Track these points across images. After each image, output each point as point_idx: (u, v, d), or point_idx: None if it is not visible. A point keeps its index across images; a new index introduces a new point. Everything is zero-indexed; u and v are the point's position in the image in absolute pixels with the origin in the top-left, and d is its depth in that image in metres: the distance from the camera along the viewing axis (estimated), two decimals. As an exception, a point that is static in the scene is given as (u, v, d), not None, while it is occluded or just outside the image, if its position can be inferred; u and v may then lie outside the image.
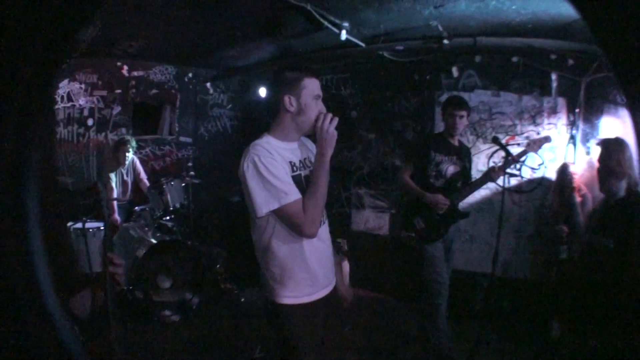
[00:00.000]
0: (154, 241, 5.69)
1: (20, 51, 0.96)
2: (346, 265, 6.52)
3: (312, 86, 2.58)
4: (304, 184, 2.58)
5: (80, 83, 7.36)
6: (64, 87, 7.15)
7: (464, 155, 4.66)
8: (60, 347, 1.12)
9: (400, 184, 4.88)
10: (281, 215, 2.48)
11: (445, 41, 5.06)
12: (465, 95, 5.61)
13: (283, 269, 2.59)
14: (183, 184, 6.68)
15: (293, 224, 2.49)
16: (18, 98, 0.99)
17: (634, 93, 1.04)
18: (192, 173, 6.87)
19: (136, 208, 6.61)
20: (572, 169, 4.85)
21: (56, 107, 7.12)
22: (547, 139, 4.46)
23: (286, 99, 2.56)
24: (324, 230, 2.74)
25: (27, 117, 1.02)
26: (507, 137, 5.44)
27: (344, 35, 4.96)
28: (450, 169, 4.57)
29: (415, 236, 4.66)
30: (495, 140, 4.54)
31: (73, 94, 7.31)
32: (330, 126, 2.51)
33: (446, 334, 4.59)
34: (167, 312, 5.66)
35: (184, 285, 5.95)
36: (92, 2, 1.04)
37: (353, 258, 6.47)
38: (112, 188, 6.71)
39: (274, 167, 2.43)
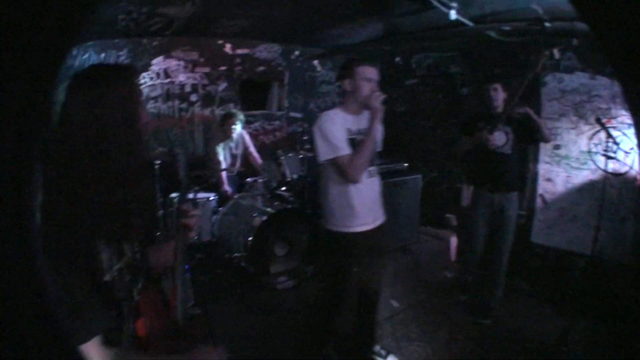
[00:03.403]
0: (271, 210, 6.30)
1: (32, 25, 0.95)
2: (454, 240, 7.16)
3: (363, 72, 3.77)
4: (355, 145, 3.74)
5: (179, 60, 8.09)
6: (159, 63, 7.93)
7: (509, 120, 5.22)
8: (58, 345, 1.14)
9: (454, 149, 5.71)
10: (334, 163, 3.73)
11: (547, 24, 5.50)
12: (565, 77, 6.20)
13: (332, 204, 3.89)
14: (300, 157, 7.51)
15: (341, 170, 3.71)
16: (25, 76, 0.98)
17: (635, 95, 1.08)
18: (307, 146, 7.73)
19: (248, 179, 7.20)
20: None
21: (152, 83, 7.89)
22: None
23: (346, 82, 3.84)
24: (373, 182, 3.99)
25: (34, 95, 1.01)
26: (605, 119, 5.64)
27: (453, 14, 5.40)
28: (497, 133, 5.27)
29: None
30: (598, 121, 5.17)
31: (171, 70, 8.01)
32: (377, 101, 3.68)
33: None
34: (282, 279, 6.39)
35: (300, 252, 6.65)
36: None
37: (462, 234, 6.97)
38: (219, 161, 7.35)
39: (333, 128, 3.68)
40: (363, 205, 3.86)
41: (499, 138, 5.23)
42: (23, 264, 1.08)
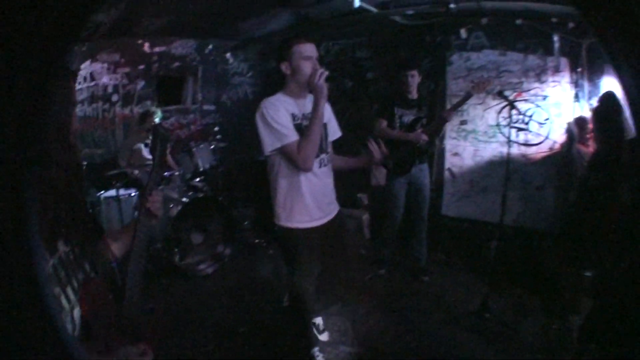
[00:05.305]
0: (185, 200, 6.28)
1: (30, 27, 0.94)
2: (366, 218, 7.33)
3: (300, 50, 3.36)
4: (303, 131, 3.37)
5: (103, 63, 7.88)
6: (86, 67, 7.70)
7: (423, 105, 5.67)
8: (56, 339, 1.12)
9: (379, 132, 5.59)
10: (283, 152, 3.35)
11: (452, 5, 5.61)
12: (473, 55, 6.31)
13: (284, 198, 3.53)
14: (212, 147, 7.53)
15: (291, 159, 3.33)
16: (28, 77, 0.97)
17: (617, 51, 1.08)
18: (218, 137, 7.72)
19: (165, 174, 6.90)
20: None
21: (79, 87, 7.63)
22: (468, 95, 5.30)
23: (282, 65, 3.42)
24: (325, 172, 3.64)
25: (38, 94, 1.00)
26: (515, 93, 5.93)
27: (357, 2, 5.48)
28: (410, 118, 5.61)
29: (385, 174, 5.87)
30: (500, 94, 5.27)
31: (96, 73, 7.83)
32: (320, 80, 3.24)
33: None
34: (201, 266, 6.29)
35: (216, 239, 6.54)
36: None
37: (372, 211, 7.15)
38: (143, 157, 7.03)
39: (277, 115, 3.27)
40: (315, 198, 3.55)
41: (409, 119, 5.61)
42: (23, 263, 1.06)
